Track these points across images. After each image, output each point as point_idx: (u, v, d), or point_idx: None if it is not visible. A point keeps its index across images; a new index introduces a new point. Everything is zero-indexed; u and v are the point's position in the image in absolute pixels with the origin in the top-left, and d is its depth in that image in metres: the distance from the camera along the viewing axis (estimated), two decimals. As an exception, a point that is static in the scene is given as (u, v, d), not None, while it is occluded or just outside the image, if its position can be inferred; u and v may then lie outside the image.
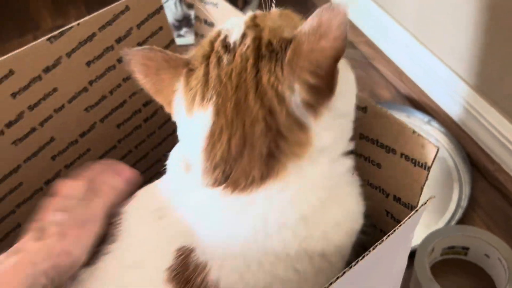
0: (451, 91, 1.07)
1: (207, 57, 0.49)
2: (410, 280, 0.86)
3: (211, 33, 0.52)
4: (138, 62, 0.52)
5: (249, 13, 0.52)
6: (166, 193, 0.55)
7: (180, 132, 0.54)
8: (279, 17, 0.50)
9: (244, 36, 0.48)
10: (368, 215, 0.53)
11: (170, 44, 0.79)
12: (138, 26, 0.73)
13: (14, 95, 0.66)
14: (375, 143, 0.53)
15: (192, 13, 1.27)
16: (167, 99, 0.52)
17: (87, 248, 0.52)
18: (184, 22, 1.29)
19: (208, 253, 0.49)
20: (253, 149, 0.45)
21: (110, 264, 0.52)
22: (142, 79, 0.53)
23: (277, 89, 0.45)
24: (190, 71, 0.50)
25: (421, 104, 1.13)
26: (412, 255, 0.82)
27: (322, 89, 0.44)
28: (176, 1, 1.24)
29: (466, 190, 1.00)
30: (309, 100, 0.44)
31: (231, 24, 0.51)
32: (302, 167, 0.46)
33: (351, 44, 1.27)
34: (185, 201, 0.52)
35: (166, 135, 0.86)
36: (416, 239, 0.83)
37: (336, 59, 0.43)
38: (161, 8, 0.74)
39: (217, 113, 0.47)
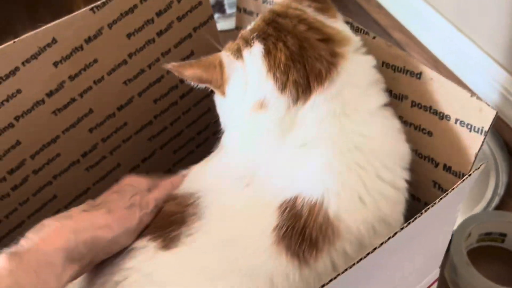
0: (489, 78, 1.05)
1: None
2: (445, 265, 0.84)
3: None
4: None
5: None
6: (241, 159, 0.55)
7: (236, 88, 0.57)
8: None
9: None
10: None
11: (208, 20, 0.79)
12: (179, 0, 0.73)
13: (56, 64, 0.67)
14: (428, 109, 0.52)
15: (225, -1, 1.27)
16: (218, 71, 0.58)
17: (130, 231, 0.53)
18: (217, 7, 1.29)
19: (318, 188, 0.49)
20: (309, 41, 0.53)
21: (204, 242, 0.52)
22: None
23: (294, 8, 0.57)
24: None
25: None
26: (448, 239, 0.80)
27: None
28: (209, -14, 1.24)
29: (503, 178, 0.98)
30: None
31: None
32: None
33: (384, 30, 1.26)
34: (271, 153, 0.53)
35: (201, 113, 0.86)
36: (453, 223, 0.82)
37: None
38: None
39: (263, 39, 0.55)
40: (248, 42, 0.56)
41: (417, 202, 0.59)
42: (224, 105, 0.60)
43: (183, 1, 0.74)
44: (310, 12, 0.55)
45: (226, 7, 1.29)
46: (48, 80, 0.67)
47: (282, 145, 0.52)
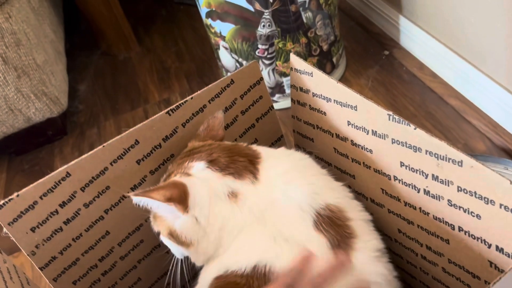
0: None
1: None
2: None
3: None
4: None
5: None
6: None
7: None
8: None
9: None
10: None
11: (269, 110, 0.87)
12: (242, 96, 0.82)
13: (138, 161, 0.76)
14: (473, 194, 0.55)
15: (284, 80, 1.36)
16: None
17: None
18: (277, 89, 1.38)
19: None
20: (236, 148, 0.70)
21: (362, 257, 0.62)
22: None
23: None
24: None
25: (519, 155, 1.11)
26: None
27: None
28: (270, 71, 1.34)
29: None
30: None
31: None
32: None
33: (441, 98, 1.29)
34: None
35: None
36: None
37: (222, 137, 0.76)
38: (261, 79, 0.83)
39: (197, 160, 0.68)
40: (185, 169, 0.67)
41: (477, 280, 0.61)
42: (189, 221, 0.64)
43: (245, 97, 0.83)
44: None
45: (285, 87, 1.38)
46: (132, 176, 0.77)
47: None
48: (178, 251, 0.70)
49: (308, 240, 0.61)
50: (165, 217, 0.66)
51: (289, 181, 0.66)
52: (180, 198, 0.62)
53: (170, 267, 0.74)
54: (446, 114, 1.25)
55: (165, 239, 0.69)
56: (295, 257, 0.58)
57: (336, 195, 0.67)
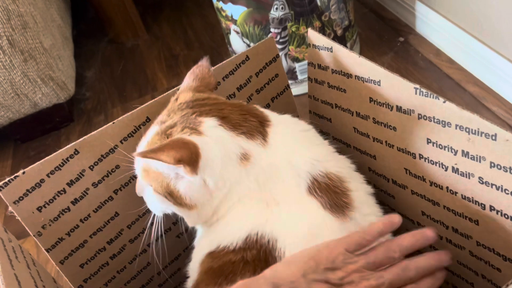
0: None
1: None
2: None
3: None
4: None
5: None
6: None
7: None
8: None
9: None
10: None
11: (285, 89, 0.83)
12: (257, 74, 0.79)
13: (149, 140, 0.73)
14: (508, 170, 0.52)
15: (296, 65, 1.33)
16: None
17: None
18: (289, 74, 1.35)
19: None
20: (247, 107, 0.65)
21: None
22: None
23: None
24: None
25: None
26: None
27: None
28: (282, 56, 1.30)
29: None
30: None
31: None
32: None
33: (458, 85, 1.25)
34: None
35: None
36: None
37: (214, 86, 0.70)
38: (277, 56, 0.80)
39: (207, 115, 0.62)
40: (193, 125, 0.60)
41: (509, 264, 0.58)
42: (196, 184, 0.60)
43: (260, 74, 0.79)
44: None
45: (298, 73, 1.34)
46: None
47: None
48: (159, 209, 0.65)
49: (298, 201, 0.59)
50: (165, 174, 0.60)
51: (294, 149, 0.63)
52: (190, 159, 0.57)
53: (148, 225, 0.69)
54: (465, 101, 1.21)
55: (154, 196, 0.63)
56: (287, 220, 0.58)
57: (339, 164, 0.64)
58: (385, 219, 0.56)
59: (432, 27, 1.38)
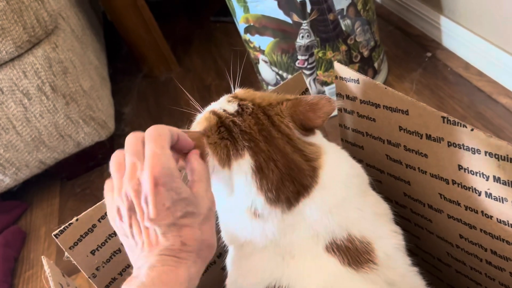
0: None
1: (219, 125, 0.61)
2: None
3: (204, 114, 0.64)
4: None
5: (225, 96, 0.66)
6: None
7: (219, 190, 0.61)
8: (249, 92, 0.66)
9: (241, 106, 0.62)
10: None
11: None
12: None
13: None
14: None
15: (326, 89, 1.36)
16: None
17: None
18: (319, 98, 1.38)
19: None
20: (295, 163, 0.59)
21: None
22: None
23: (285, 124, 0.61)
24: (209, 137, 0.60)
25: None
26: None
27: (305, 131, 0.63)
28: (311, 81, 1.34)
29: None
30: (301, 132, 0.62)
31: (217, 104, 0.65)
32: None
33: (489, 97, 1.25)
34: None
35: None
36: None
37: (312, 127, 0.63)
38: (306, 90, 0.83)
39: (254, 153, 0.59)
40: (237, 148, 0.59)
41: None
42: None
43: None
44: (295, 131, 0.62)
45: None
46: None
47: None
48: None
49: (314, 257, 0.59)
50: None
51: (322, 218, 0.60)
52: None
53: None
54: (497, 113, 1.21)
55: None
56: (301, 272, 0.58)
57: (366, 224, 0.62)
58: None
59: (459, 41, 1.39)
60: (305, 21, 1.24)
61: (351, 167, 0.66)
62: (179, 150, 0.57)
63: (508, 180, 0.57)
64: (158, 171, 0.49)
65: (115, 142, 1.68)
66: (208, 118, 0.62)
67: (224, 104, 0.64)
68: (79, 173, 1.62)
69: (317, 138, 0.64)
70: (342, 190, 0.62)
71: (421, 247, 0.83)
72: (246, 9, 1.27)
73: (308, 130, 0.63)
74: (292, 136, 0.61)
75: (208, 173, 0.58)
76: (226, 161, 0.59)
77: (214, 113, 0.63)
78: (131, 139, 0.53)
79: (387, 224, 0.66)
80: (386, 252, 0.62)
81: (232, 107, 0.62)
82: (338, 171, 0.63)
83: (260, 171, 0.59)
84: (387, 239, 0.64)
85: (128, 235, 0.52)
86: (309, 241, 0.60)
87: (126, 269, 0.75)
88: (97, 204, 0.71)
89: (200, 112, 0.67)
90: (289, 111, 0.62)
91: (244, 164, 0.59)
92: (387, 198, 0.79)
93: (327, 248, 0.60)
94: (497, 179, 0.58)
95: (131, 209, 0.51)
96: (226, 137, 0.60)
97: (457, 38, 1.39)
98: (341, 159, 0.66)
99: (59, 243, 0.70)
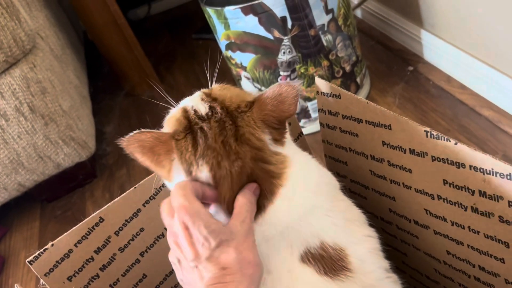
0: None
1: (187, 128, 0.59)
2: None
3: (176, 111, 0.62)
4: (133, 145, 0.59)
5: (199, 92, 0.64)
6: None
7: None
8: (224, 89, 0.64)
9: (211, 108, 0.60)
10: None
11: (299, 136, 0.85)
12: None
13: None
14: None
15: (308, 104, 1.35)
16: (167, 168, 0.60)
17: None
18: (302, 114, 1.36)
19: None
20: (258, 175, 0.59)
21: None
22: (140, 157, 0.60)
23: (257, 137, 0.59)
24: (178, 141, 0.59)
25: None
26: None
27: (280, 130, 0.61)
28: (294, 96, 1.33)
29: None
30: (276, 137, 0.61)
31: (190, 101, 0.62)
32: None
33: (472, 110, 1.26)
34: None
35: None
36: None
37: (288, 117, 0.61)
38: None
39: (212, 168, 0.58)
40: (198, 163, 0.58)
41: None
42: None
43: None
44: (267, 141, 0.60)
45: (311, 112, 1.36)
46: (165, 216, 0.75)
47: None
48: None
49: (291, 269, 0.59)
50: None
51: (292, 224, 0.60)
52: None
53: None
54: (480, 125, 1.21)
55: None
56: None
57: (339, 233, 0.62)
58: None
59: (440, 54, 1.39)
60: (286, 37, 1.23)
61: (320, 175, 0.65)
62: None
63: (494, 195, 0.56)
64: (184, 214, 0.54)
65: (96, 162, 1.65)
66: (178, 120, 0.61)
67: (197, 102, 0.62)
68: (60, 195, 1.59)
69: (287, 148, 0.62)
70: (311, 199, 0.62)
71: (408, 264, 0.82)
72: (227, 26, 1.26)
73: (283, 123, 0.62)
74: (262, 147, 0.59)
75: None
76: (188, 172, 0.59)
77: (184, 114, 0.61)
78: (163, 206, 0.59)
79: (359, 228, 0.65)
80: (359, 258, 0.61)
81: (203, 108, 0.60)
82: (305, 180, 0.62)
83: (218, 185, 0.58)
84: (360, 244, 0.63)
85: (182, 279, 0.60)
86: (285, 253, 0.60)
87: (105, 295, 0.73)
88: (74, 228, 0.69)
89: (173, 106, 0.65)
90: (260, 117, 0.60)
91: (202, 178, 0.59)
92: (373, 215, 0.78)
93: (303, 258, 0.60)
94: (482, 194, 0.57)
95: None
96: (190, 149, 0.59)
97: (438, 51, 1.40)
98: (309, 167, 0.65)
99: (33, 270, 0.67)
